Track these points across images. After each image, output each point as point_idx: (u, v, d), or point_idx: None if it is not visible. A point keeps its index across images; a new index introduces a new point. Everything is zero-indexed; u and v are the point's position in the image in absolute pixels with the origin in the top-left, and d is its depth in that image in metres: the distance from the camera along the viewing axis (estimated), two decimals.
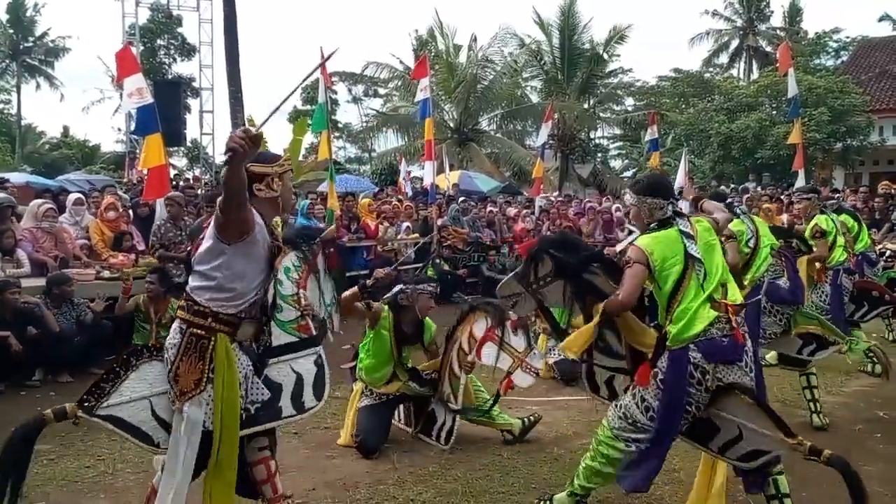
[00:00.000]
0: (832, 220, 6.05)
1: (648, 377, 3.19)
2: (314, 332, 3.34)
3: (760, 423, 3.16)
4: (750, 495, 3.58)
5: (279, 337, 3.23)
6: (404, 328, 4.80)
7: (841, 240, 6.06)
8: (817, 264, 5.74)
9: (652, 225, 3.39)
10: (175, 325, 2.99)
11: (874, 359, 5.47)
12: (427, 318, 4.98)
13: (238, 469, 3.02)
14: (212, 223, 2.91)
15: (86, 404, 2.95)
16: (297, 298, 3.32)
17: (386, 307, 4.79)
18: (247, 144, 2.59)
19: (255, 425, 3.09)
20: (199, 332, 2.92)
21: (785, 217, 10.60)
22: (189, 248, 3.57)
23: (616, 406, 3.38)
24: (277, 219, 3.24)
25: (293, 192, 3.47)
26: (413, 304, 4.78)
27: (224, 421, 2.90)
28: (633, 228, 6.85)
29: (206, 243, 2.92)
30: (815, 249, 5.69)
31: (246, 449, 3.11)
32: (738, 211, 5.30)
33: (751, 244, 5.15)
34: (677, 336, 3.16)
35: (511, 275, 3.51)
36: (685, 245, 3.24)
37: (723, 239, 4.82)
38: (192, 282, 2.97)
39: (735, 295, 3.28)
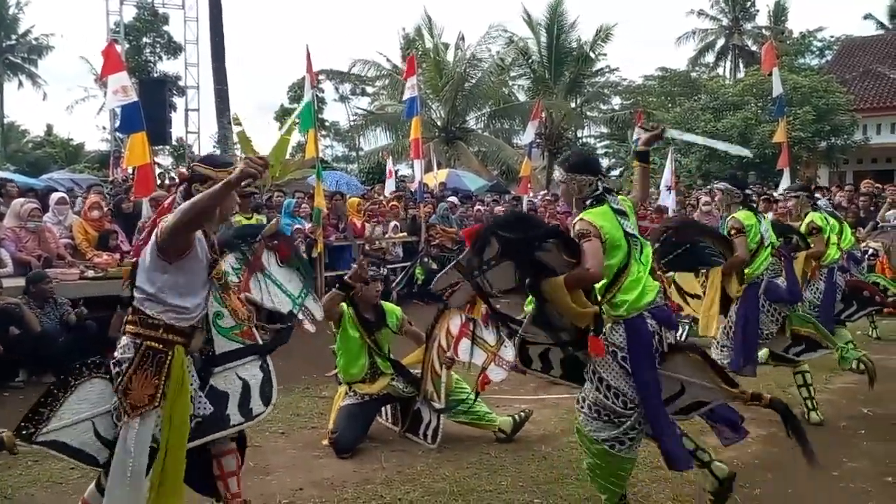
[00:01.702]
0: (825, 217, 6.09)
1: (602, 347, 3.19)
2: (257, 338, 3.24)
3: (703, 377, 3.28)
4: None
5: (222, 345, 3.15)
6: (366, 316, 4.84)
7: (834, 237, 6.11)
8: (814, 261, 5.80)
9: (588, 202, 3.40)
10: (125, 339, 2.85)
11: (864, 364, 5.47)
12: (388, 303, 5.08)
13: (198, 466, 3.03)
14: (151, 241, 2.80)
15: (24, 432, 2.84)
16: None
17: (343, 304, 4.80)
18: (261, 171, 2.61)
19: (203, 436, 3.03)
20: (155, 345, 2.81)
21: (770, 215, 10.66)
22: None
23: (582, 407, 3.32)
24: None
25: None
26: (361, 292, 4.81)
27: (173, 435, 2.81)
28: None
29: (147, 260, 2.82)
30: (812, 246, 5.73)
31: (211, 445, 3.14)
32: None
33: (756, 241, 5.10)
34: (633, 304, 3.23)
35: (449, 266, 3.40)
36: (620, 222, 3.32)
37: (733, 233, 4.88)
38: (139, 295, 2.85)
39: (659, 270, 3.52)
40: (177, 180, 4.85)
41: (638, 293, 3.23)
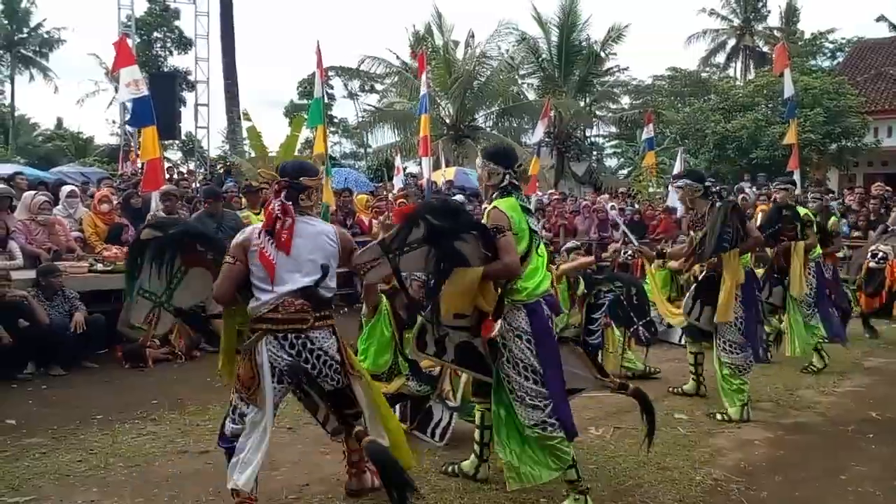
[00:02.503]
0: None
1: (491, 327, 3.41)
2: None
3: (583, 367, 3.71)
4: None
5: None
6: (399, 313, 4.82)
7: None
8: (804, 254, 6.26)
9: (494, 194, 3.61)
10: (328, 331, 3.33)
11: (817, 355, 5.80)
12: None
13: None
14: (338, 247, 3.40)
15: None
16: None
17: (383, 295, 4.81)
18: None
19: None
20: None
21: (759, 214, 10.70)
22: None
23: (516, 402, 3.48)
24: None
25: None
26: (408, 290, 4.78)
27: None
28: (626, 230, 6.92)
29: (334, 266, 3.38)
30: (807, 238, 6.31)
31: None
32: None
33: None
34: (533, 291, 3.49)
35: (375, 241, 3.50)
36: (525, 216, 3.53)
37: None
38: (332, 294, 3.40)
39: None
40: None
41: (537, 281, 3.51)
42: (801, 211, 6.54)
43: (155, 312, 3.49)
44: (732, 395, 5.19)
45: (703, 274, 5.42)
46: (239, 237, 3.35)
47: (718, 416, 5.19)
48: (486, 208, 3.63)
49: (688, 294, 5.59)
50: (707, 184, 5.31)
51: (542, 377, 3.44)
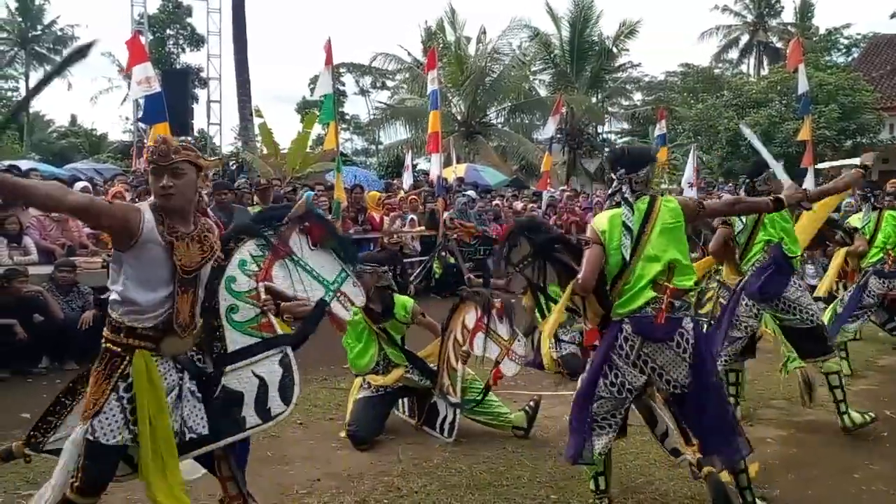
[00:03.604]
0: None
1: (593, 338, 3.44)
2: (277, 330, 3.04)
3: (672, 425, 3.41)
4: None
5: (236, 340, 2.96)
6: (371, 307, 4.77)
7: (881, 238, 6.10)
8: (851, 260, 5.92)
9: (614, 203, 3.46)
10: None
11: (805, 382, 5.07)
12: (400, 295, 5.05)
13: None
14: None
15: (32, 441, 2.79)
16: (255, 294, 3.02)
17: None
18: None
19: (217, 440, 2.87)
20: (114, 348, 2.70)
21: None
22: None
23: None
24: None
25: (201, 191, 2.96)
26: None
27: (157, 439, 2.67)
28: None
29: (112, 257, 2.78)
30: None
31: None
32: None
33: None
34: (616, 310, 3.33)
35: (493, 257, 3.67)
36: (624, 231, 3.29)
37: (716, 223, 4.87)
38: (110, 297, 2.76)
39: (682, 279, 3.29)
40: (279, 182, 4.63)
41: (624, 300, 3.30)
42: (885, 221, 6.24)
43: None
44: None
45: None
46: None
47: None
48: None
49: None
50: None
51: (614, 384, 3.34)
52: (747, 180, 4.90)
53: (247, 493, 3.03)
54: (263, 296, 3.03)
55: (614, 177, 3.43)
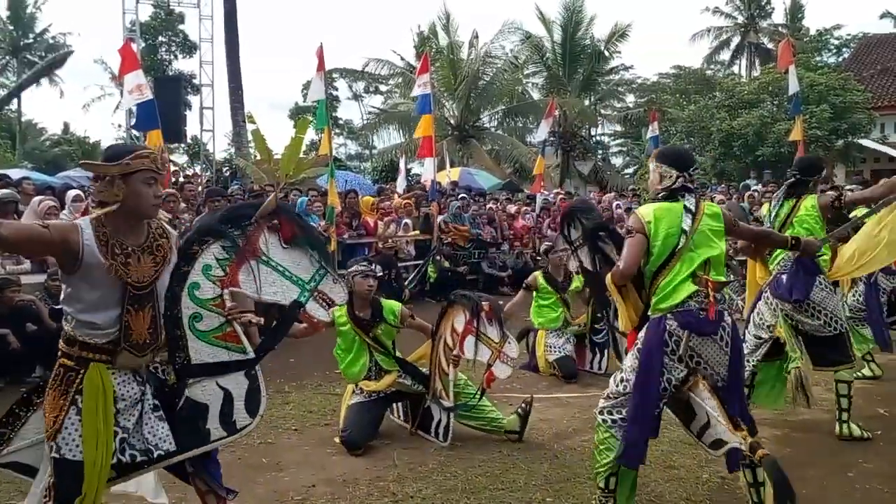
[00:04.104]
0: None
1: (632, 341, 3.38)
2: (243, 340, 2.86)
3: (718, 412, 3.22)
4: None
5: (200, 350, 2.79)
6: (358, 314, 4.78)
7: None
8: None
9: (660, 194, 3.43)
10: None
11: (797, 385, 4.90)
12: (387, 299, 5.01)
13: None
14: None
15: None
16: (220, 302, 2.82)
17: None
18: None
19: (183, 453, 2.76)
20: (68, 362, 2.61)
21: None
22: None
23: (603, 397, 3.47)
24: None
25: (156, 198, 2.69)
26: (352, 288, 4.69)
27: (87, 466, 2.56)
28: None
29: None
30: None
31: (189, 467, 2.89)
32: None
33: None
34: (657, 305, 3.29)
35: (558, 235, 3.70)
36: (683, 221, 3.29)
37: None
38: (64, 307, 2.67)
39: (719, 274, 3.32)
40: (272, 188, 4.37)
41: (664, 295, 3.26)
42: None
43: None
44: None
45: None
46: None
47: None
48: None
49: None
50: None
51: (629, 386, 3.30)
52: (798, 176, 4.86)
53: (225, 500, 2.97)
54: (229, 303, 2.85)
55: (672, 172, 3.39)
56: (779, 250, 4.76)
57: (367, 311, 4.81)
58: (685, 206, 3.33)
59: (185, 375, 2.79)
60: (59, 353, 2.65)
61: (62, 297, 2.67)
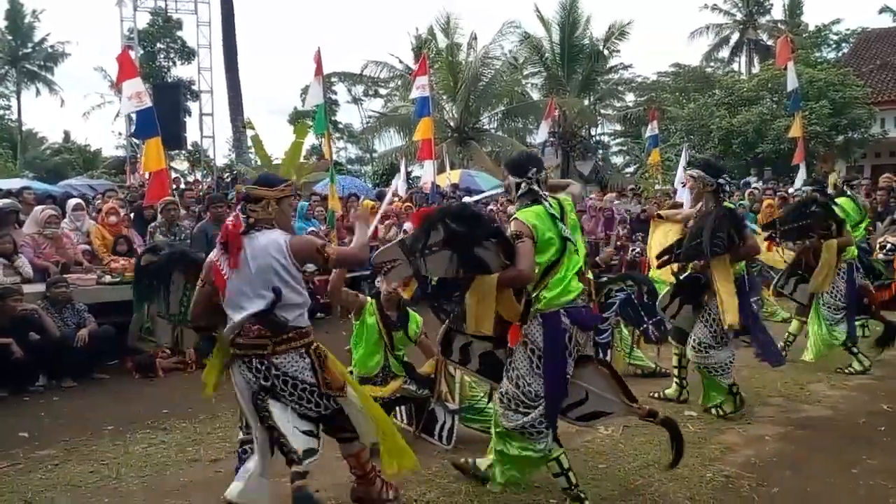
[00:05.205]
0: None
1: (518, 336, 3.45)
2: None
3: (608, 389, 3.55)
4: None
5: None
6: (388, 313, 4.82)
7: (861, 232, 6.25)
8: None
9: (526, 202, 3.55)
10: (293, 355, 3.20)
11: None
12: (411, 310, 5.02)
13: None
14: (289, 260, 3.16)
15: None
16: None
17: (369, 297, 4.88)
18: None
19: None
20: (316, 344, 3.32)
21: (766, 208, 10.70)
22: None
23: (501, 400, 3.57)
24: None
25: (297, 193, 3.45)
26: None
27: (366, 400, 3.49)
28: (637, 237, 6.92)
29: (293, 280, 3.20)
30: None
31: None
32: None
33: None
34: (552, 300, 3.41)
35: (394, 242, 3.48)
36: (556, 224, 3.45)
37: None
38: (292, 315, 3.21)
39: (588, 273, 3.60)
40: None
41: (559, 291, 3.41)
42: (848, 206, 6.37)
43: (177, 331, 3.69)
44: (718, 389, 5.16)
45: (686, 273, 5.23)
46: (210, 256, 3.27)
47: (714, 412, 5.18)
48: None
49: (665, 291, 5.35)
50: (721, 181, 4.91)
51: (535, 393, 3.43)
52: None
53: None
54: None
55: (513, 180, 3.58)
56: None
57: (394, 312, 4.87)
58: (549, 213, 3.46)
59: None
60: (308, 346, 3.30)
61: (300, 298, 3.27)
